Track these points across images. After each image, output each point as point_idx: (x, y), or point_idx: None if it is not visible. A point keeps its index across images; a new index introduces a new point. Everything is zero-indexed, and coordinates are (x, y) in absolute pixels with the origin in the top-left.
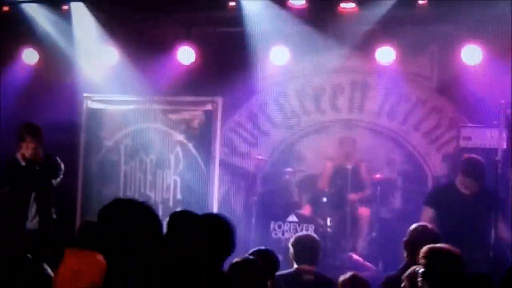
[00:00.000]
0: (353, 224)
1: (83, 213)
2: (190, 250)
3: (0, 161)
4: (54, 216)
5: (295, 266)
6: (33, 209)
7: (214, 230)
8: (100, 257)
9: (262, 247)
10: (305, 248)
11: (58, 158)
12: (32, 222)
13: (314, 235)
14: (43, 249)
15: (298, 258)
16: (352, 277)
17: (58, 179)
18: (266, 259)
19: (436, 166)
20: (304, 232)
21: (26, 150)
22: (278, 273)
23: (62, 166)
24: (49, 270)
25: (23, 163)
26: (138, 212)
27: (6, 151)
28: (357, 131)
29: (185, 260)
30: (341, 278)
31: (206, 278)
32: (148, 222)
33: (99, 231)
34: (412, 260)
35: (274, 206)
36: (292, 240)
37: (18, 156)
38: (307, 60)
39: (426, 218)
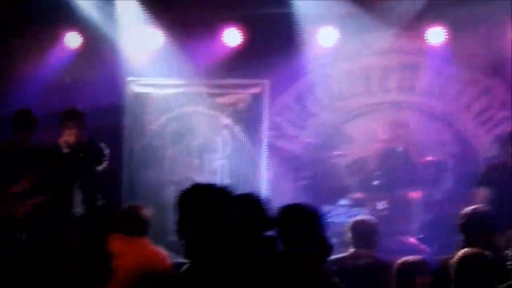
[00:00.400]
0: (405, 207)
1: (127, 198)
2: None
3: (41, 148)
4: (100, 202)
5: (351, 250)
6: (78, 197)
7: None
8: (146, 242)
9: None
10: (363, 233)
11: (102, 144)
12: (77, 210)
13: (372, 218)
14: (89, 236)
15: (355, 242)
16: (410, 261)
17: (103, 165)
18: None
19: (487, 147)
20: (362, 216)
21: (69, 136)
22: (332, 257)
23: (106, 152)
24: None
25: (65, 150)
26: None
27: (49, 136)
28: (407, 113)
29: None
30: (399, 261)
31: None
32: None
33: (179, 215)
34: (468, 243)
35: (323, 190)
36: (349, 224)
37: (60, 142)
38: (356, 41)
39: (479, 199)
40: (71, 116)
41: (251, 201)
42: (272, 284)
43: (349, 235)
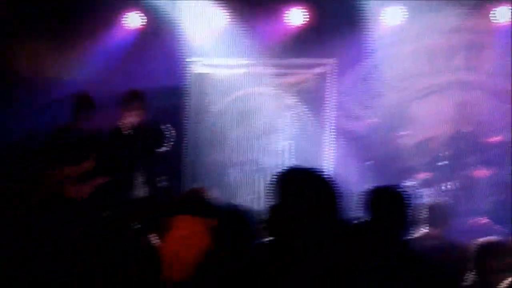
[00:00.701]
0: (472, 188)
1: (190, 180)
2: None
3: (103, 130)
4: (164, 183)
5: (422, 231)
6: (140, 178)
7: None
8: (208, 223)
9: None
10: (434, 214)
11: (165, 126)
12: (140, 191)
13: (441, 200)
14: (151, 217)
15: (426, 223)
16: (491, 242)
17: (165, 147)
18: None
19: None
20: (431, 199)
21: (130, 118)
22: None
23: (170, 133)
24: (156, 239)
25: (127, 132)
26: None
27: (109, 117)
28: (473, 93)
29: None
30: (478, 242)
31: None
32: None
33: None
34: None
35: (389, 171)
36: (421, 205)
37: (122, 124)
38: (422, 20)
39: None
40: (133, 97)
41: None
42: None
43: (420, 216)
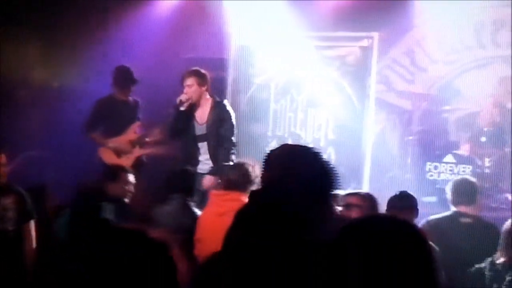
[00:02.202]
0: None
1: None
2: None
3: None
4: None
5: (453, 209)
6: (205, 155)
7: None
8: (244, 198)
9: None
10: (463, 191)
11: (228, 107)
12: (203, 167)
13: (472, 178)
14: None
15: (455, 200)
16: None
17: (227, 128)
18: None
19: None
20: (460, 177)
21: (188, 94)
22: (434, 216)
23: (232, 114)
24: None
25: (183, 107)
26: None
27: (150, 89)
28: None
29: None
30: (508, 221)
31: None
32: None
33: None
34: None
35: (431, 146)
36: (449, 184)
37: (179, 99)
38: None
39: None
40: (192, 74)
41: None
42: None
43: (451, 193)
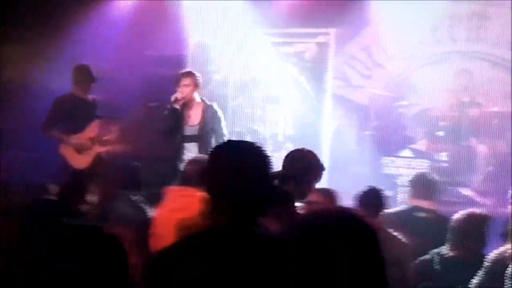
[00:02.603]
0: (469, 159)
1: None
2: None
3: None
4: None
5: (411, 203)
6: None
7: None
8: (200, 194)
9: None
10: (421, 185)
11: (219, 111)
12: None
13: (430, 173)
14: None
15: (413, 194)
16: (470, 213)
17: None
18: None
19: None
20: (419, 171)
21: (181, 93)
22: (392, 210)
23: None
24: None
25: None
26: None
27: (109, 86)
28: (474, 63)
29: None
30: (458, 214)
31: None
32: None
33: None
34: None
35: (387, 141)
36: (410, 177)
37: (172, 98)
38: None
39: None
40: (190, 75)
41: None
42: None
43: (409, 187)
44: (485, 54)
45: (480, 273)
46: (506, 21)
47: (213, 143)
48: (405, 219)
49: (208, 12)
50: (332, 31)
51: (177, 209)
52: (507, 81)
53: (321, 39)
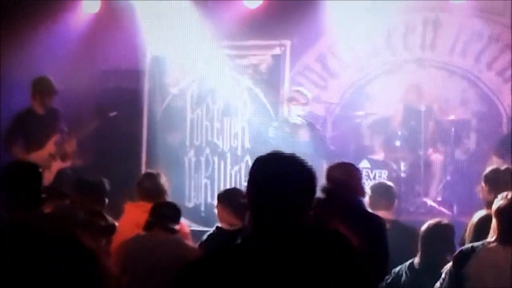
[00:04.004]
0: (427, 168)
1: (148, 163)
2: None
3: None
4: None
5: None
6: None
7: None
8: None
9: None
10: (380, 196)
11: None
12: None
13: (389, 182)
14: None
15: (373, 204)
16: (437, 223)
17: None
18: None
19: (510, 105)
20: (378, 180)
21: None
22: None
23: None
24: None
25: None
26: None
27: (66, 99)
28: (430, 71)
29: None
30: (426, 225)
31: None
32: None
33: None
34: (490, 204)
35: (345, 151)
36: (368, 186)
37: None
38: None
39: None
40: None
41: None
42: None
43: (368, 198)
44: (440, 62)
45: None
46: (459, 29)
47: None
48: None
49: (164, 26)
50: (287, 42)
51: (138, 224)
52: (463, 89)
53: (276, 51)
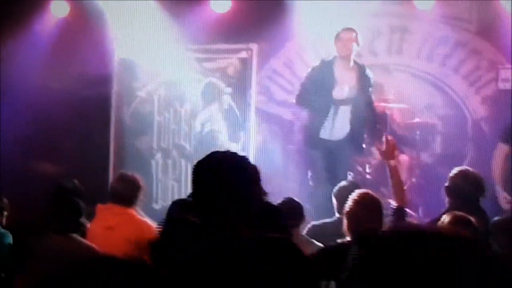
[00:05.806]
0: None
1: (116, 165)
2: None
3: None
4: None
5: (337, 215)
6: None
7: None
8: (133, 213)
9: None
10: (347, 197)
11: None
12: None
13: (355, 184)
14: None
15: (340, 207)
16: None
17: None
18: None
19: (476, 109)
20: (345, 182)
21: None
22: (318, 222)
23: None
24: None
25: None
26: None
27: (35, 106)
28: (395, 76)
29: None
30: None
31: None
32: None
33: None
34: (454, 206)
35: (311, 154)
36: (334, 190)
37: None
38: (344, 3)
39: (500, 155)
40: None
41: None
42: None
43: (334, 200)
44: (406, 66)
45: None
46: (425, 34)
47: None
48: (332, 231)
49: (131, 29)
50: (254, 46)
51: (109, 227)
52: (429, 93)
53: (243, 54)
